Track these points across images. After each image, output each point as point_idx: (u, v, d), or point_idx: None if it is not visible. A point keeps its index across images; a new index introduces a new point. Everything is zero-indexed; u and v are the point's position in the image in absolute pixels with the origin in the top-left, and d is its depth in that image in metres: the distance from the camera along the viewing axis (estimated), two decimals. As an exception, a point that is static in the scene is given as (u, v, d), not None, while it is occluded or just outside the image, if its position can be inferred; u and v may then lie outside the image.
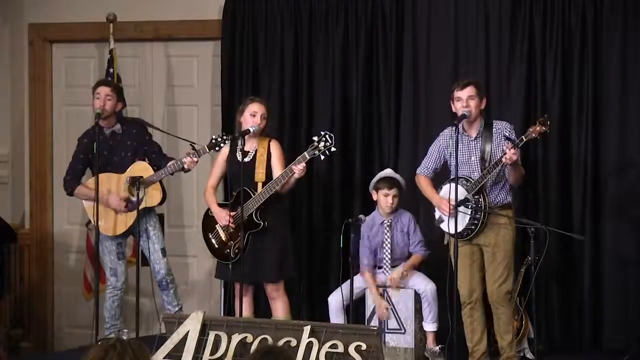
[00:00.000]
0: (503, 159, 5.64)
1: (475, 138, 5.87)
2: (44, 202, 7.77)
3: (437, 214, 5.95)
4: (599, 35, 6.54)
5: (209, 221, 6.37)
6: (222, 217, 6.23)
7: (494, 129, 5.83)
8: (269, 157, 6.19)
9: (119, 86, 6.80)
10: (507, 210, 5.88)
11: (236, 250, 6.16)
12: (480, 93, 5.88)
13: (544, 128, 5.60)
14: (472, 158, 5.87)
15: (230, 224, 6.17)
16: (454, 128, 5.75)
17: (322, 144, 5.97)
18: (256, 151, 6.22)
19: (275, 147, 6.23)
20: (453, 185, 5.72)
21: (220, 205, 6.30)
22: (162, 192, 6.39)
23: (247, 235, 6.09)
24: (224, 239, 6.26)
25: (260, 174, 6.14)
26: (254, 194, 6.08)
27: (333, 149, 5.99)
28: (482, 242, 5.87)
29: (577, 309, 6.59)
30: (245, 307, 6.23)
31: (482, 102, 5.88)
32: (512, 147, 5.57)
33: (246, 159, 6.18)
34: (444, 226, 5.89)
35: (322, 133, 6.03)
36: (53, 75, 7.81)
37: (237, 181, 6.15)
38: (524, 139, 5.61)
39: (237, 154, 6.20)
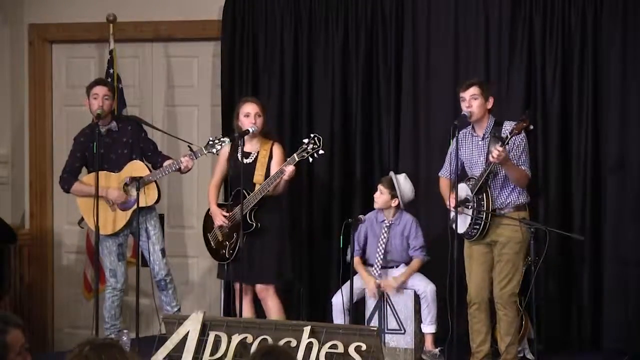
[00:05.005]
0: (490, 158, 5.66)
1: (483, 138, 5.89)
2: (44, 202, 7.77)
3: (451, 215, 5.95)
4: (599, 35, 6.54)
5: (208, 221, 6.39)
6: (217, 216, 6.25)
7: (503, 129, 5.82)
8: (270, 159, 6.20)
9: (114, 85, 6.84)
10: (520, 212, 5.87)
11: (231, 251, 6.18)
12: (485, 93, 5.88)
13: (524, 124, 5.61)
14: (481, 158, 5.88)
15: (225, 224, 6.18)
16: (466, 129, 5.86)
17: (310, 146, 5.98)
18: (258, 153, 6.23)
19: (277, 150, 6.24)
20: (460, 185, 5.80)
21: (220, 205, 6.32)
22: (158, 191, 6.40)
23: (243, 236, 6.09)
24: (220, 239, 6.28)
25: (259, 176, 6.15)
26: (249, 195, 6.10)
27: (321, 151, 6.00)
28: (492, 240, 5.88)
29: (577, 309, 6.59)
30: (246, 308, 6.24)
31: (488, 102, 5.88)
32: (500, 146, 5.60)
33: (248, 160, 6.21)
34: (454, 226, 5.89)
35: (312, 135, 6.05)
36: (53, 75, 7.81)
37: (236, 181, 6.15)
38: (509, 136, 5.63)
39: (238, 154, 6.21)
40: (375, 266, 6.26)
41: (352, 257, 6.14)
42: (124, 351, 3.14)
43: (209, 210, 6.39)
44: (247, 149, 6.24)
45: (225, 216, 6.23)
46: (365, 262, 6.35)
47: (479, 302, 5.93)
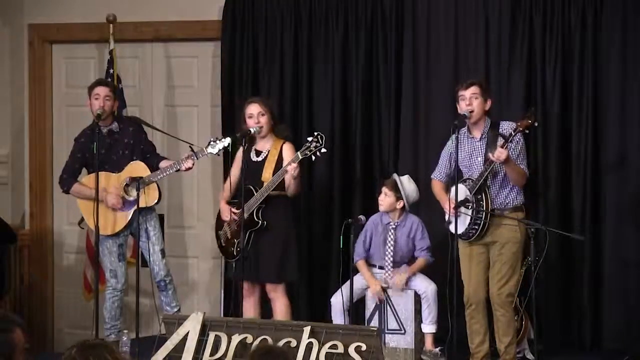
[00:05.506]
0: (491, 157, 5.66)
1: (480, 139, 5.88)
2: (44, 202, 7.77)
3: (447, 216, 5.95)
4: (599, 35, 6.54)
5: (220, 219, 6.40)
6: (225, 212, 6.26)
7: (500, 129, 5.82)
8: (280, 158, 6.20)
9: (115, 85, 6.83)
10: (518, 212, 5.87)
11: (238, 249, 6.18)
12: (485, 93, 5.88)
13: (529, 121, 5.62)
14: (478, 159, 5.87)
15: (234, 218, 6.19)
16: (460, 129, 5.81)
17: (313, 144, 5.99)
18: (269, 151, 6.24)
19: (287, 150, 6.24)
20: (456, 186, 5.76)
21: (229, 203, 6.32)
22: (159, 192, 6.39)
23: (249, 234, 6.10)
24: (229, 236, 6.29)
25: (267, 174, 6.16)
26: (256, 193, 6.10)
27: (323, 149, 6.01)
28: (490, 240, 5.87)
29: (577, 309, 6.59)
30: (252, 309, 6.25)
31: (487, 102, 5.89)
32: (501, 145, 5.59)
33: (258, 159, 6.24)
34: (451, 227, 5.88)
35: (315, 133, 6.06)
36: (53, 75, 7.81)
37: (246, 179, 6.15)
38: (513, 134, 5.63)
39: (251, 153, 6.25)
40: (387, 269, 6.23)
41: (352, 258, 6.12)
42: (113, 350, 3.13)
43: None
44: (259, 147, 6.29)
45: (233, 212, 6.23)
46: (368, 264, 6.33)
47: (476, 302, 5.93)
